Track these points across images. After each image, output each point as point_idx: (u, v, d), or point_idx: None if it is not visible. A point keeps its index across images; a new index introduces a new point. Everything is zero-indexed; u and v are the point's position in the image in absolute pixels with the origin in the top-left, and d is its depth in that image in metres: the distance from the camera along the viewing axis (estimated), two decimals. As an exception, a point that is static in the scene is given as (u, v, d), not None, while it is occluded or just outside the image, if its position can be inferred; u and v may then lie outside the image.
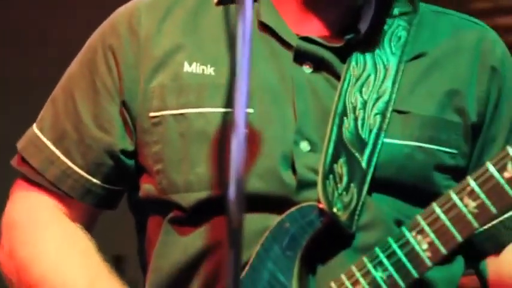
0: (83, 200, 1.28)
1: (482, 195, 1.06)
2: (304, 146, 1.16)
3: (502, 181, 1.06)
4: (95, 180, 1.28)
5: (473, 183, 1.06)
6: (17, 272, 1.25)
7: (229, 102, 1.18)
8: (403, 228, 1.08)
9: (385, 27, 1.23)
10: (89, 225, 1.29)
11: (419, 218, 1.08)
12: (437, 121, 1.19)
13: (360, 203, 1.14)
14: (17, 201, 1.29)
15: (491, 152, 1.20)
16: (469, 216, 1.06)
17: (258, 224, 1.14)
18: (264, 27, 1.21)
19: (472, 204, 1.06)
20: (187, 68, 1.22)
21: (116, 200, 1.29)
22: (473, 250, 1.20)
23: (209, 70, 1.20)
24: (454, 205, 1.07)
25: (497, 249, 1.22)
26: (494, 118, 1.22)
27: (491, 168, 1.06)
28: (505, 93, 1.23)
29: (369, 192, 1.15)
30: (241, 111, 0.78)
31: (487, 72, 1.22)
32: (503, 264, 1.23)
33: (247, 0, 0.85)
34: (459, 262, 1.22)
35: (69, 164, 1.28)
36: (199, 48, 1.21)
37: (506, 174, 1.06)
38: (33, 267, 1.23)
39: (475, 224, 1.06)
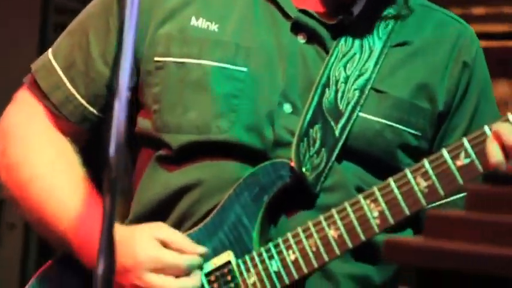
0: (80, 124, 1.41)
1: (434, 177, 1.17)
2: (287, 108, 1.26)
3: (453, 167, 1.17)
4: (91, 109, 1.40)
5: (427, 165, 1.17)
6: (7, 170, 1.36)
7: (225, 57, 1.28)
8: (359, 195, 1.20)
9: (376, 13, 1.32)
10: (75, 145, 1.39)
11: (375, 188, 1.19)
12: (409, 105, 1.30)
13: (328, 167, 1.25)
14: (16, 106, 1.42)
15: (450, 140, 1.30)
16: (419, 194, 1.18)
17: (234, 172, 1.25)
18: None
19: (423, 183, 1.18)
20: (193, 22, 1.32)
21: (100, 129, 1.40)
22: (421, 224, 1.31)
23: (213, 27, 1.30)
24: (408, 182, 1.18)
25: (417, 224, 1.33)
26: (458, 110, 1.33)
27: (446, 155, 1.17)
28: (471, 88, 1.34)
29: (338, 159, 1.25)
30: (125, 74, 0.88)
31: (460, 67, 1.32)
32: None
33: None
34: (408, 233, 1.34)
35: (73, 91, 1.40)
36: (206, 6, 1.31)
37: (458, 163, 1.17)
38: (23, 167, 1.35)
39: (423, 202, 1.18)
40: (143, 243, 1.22)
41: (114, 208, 0.89)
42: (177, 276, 1.21)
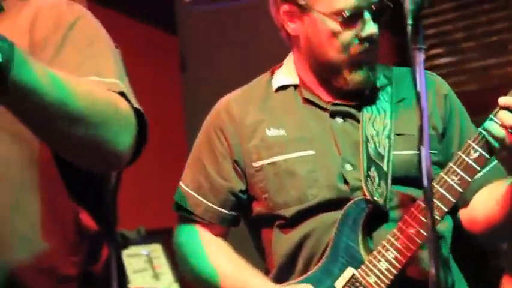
0: (220, 224, 1.96)
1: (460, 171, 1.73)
2: (348, 166, 1.84)
3: (469, 160, 1.72)
4: (225, 211, 1.95)
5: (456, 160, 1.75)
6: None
7: (297, 148, 1.88)
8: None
9: (376, 86, 1.91)
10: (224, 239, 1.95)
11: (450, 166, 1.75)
12: None
13: (389, 192, 1.80)
14: (180, 230, 2.02)
15: (452, 149, 1.89)
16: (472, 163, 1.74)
17: (331, 218, 1.81)
18: (307, 101, 1.90)
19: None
20: (268, 132, 1.91)
21: (238, 220, 1.96)
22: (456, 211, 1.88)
23: (282, 132, 1.90)
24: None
25: (465, 204, 1.89)
26: (449, 128, 1.90)
27: (460, 153, 1.74)
28: (453, 111, 1.92)
29: (393, 185, 1.82)
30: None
31: (443, 99, 1.91)
32: (473, 210, 1.89)
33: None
34: (447, 220, 1.89)
35: (207, 203, 1.95)
36: (272, 119, 1.89)
37: (471, 156, 1.73)
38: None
39: (477, 168, 1.74)
40: None
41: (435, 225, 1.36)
42: None
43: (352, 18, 1.81)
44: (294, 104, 1.91)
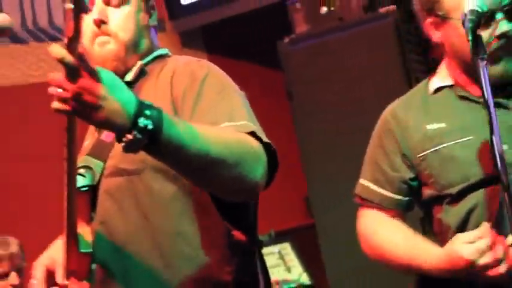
0: (396, 208, 2.02)
1: None
2: (505, 146, 1.72)
3: None
4: (399, 197, 2.01)
5: None
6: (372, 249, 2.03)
7: (457, 136, 1.89)
8: None
9: None
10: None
11: None
12: None
13: None
14: (363, 216, 2.07)
15: None
16: None
17: (492, 192, 1.80)
18: (461, 97, 1.95)
19: None
20: (429, 127, 1.96)
21: (412, 204, 2.04)
22: None
23: (441, 125, 1.94)
24: None
25: None
26: None
27: None
28: None
29: None
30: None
31: None
32: None
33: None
34: None
35: (384, 192, 2.02)
36: (432, 117, 1.96)
37: None
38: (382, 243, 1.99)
39: None
40: None
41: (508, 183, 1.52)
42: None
43: (486, 21, 1.83)
44: (450, 101, 1.99)
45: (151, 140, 1.36)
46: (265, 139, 1.59)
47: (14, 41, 3.74)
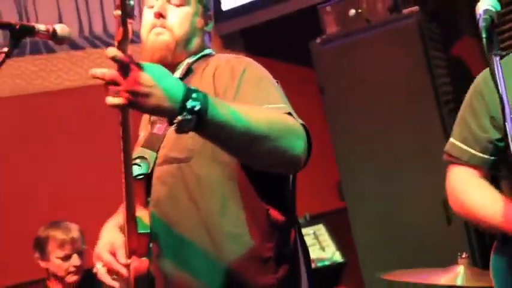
0: (483, 166, 2.01)
1: None
2: None
3: None
4: (486, 156, 2.01)
5: None
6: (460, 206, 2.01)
7: None
8: None
9: None
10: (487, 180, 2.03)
11: None
12: None
13: None
14: (453, 173, 2.06)
15: None
16: None
17: None
18: None
19: None
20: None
21: (498, 165, 2.01)
22: None
23: None
24: None
25: None
26: None
27: None
28: None
29: None
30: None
31: None
32: None
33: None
34: None
35: (472, 151, 2.02)
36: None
37: None
38: (466, 200, 1.98)
39: None
40: None
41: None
42: None
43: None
44: None
45: (199, 120, 1.40)
46: (300, 120, 1.63)
47: (73, 48, 3.85)
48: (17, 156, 3.66)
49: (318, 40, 3.78)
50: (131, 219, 1.60)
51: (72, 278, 3.17)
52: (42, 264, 3.20)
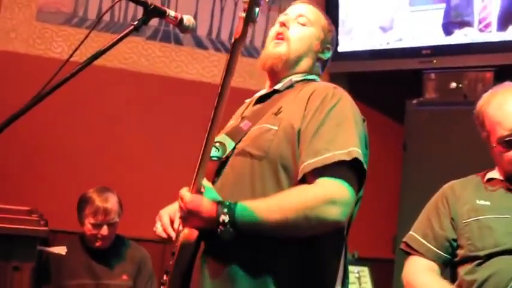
0: (436, 261, 2.27)
1: None
2: None
3: None
4: (441, 252, 2.27)
5: None
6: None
7: (495, 212, 2.14)
8: None
9: None
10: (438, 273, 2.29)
11: None
12: None
13: None
14: (409, 263, 2.31)
15: None
16: None
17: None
18: (508, 190, 2.20)
19: None
20: (477, 202, 2.22)
21: (448, 263, 2.25)
22: None
23: (487, 203, 2.19)
24: None
25: None
26: None
27: None
28: None
29: None
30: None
31: None
32: None
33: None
34: None
35: (430, 246, 2.28)
36: (482, 196, 2.22)
37: None
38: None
39: None
40: None
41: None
42: None
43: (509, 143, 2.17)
44: (499, 189, 2.23)
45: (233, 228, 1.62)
46: (351, 157, 1.68)
47: (198, 46, 4.12)
48: (121, 127, 3.87)
49: (415, 101, 3.96)
50: (198, 187, 1.72)
51: (98, 244, 3.24)
52: (79, 222, 3.29)
